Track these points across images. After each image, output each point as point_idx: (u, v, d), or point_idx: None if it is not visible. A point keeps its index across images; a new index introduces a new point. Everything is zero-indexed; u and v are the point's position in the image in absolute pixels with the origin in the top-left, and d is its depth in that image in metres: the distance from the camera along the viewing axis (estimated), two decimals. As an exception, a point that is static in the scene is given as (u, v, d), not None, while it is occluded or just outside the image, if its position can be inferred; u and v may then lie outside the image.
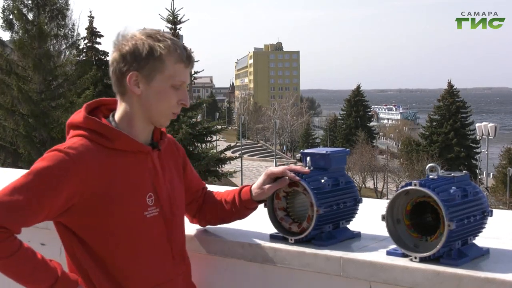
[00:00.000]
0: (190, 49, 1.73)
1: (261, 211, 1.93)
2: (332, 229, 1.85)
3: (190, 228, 2.09)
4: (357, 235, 1.91)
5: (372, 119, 72.09)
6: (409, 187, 1.64)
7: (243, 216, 1.97)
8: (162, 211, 1.74)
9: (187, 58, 1.71)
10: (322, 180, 1.82)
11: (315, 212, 1.76)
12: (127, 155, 1.69)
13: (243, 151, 44.61)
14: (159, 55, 1.67)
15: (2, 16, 22.29)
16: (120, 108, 1.74)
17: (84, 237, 1.67)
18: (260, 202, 1.90)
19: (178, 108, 1.74)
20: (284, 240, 1.86)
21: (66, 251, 1.72)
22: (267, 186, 1.85)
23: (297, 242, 1.82)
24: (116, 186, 1.65)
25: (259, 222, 2.10)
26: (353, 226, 1.94)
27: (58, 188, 1.58)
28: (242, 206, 1.91)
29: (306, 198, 1.81)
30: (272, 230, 1.91)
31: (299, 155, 1.98)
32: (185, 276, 1.85)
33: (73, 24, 24.18)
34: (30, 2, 22.07)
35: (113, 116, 1.75)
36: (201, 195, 2.00)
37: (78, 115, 1.72)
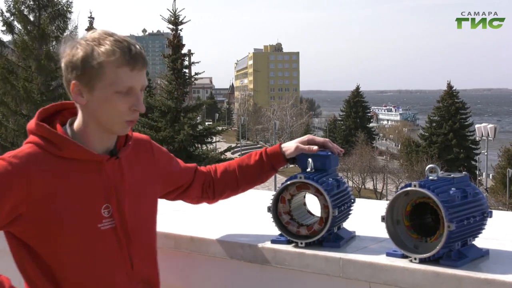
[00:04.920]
0: (139, 48, 1.61)
1: (261, 212, 1.93)
2: (336, 230, 1.85)
3: (190, 229, 2.09)
4: (353, 235, 1.92)
5: (371, 120, 72.18)
6: (408, 188, 1.64)
7: (264, 178, 1.99)
8: (119, 223, 1.65)
9: (130, 61, 1.57)
10: (329, 181, 1.81)
11: (331, 214, 1.75)
12: (79, 165, 1.61)
13: (243, 152, 44.59)
14: (96, 62, 1.56)
15: (1, 19, 22.28)
16: (78, 116, 1.67)
17: (34, 247, 1.60)
18: (287, 160, 1.95)
19: (133, 115, 1.62)
20: (288, 243, 1.84)
21: (15, 262, 1.65)
22: (297, 144, 1.91)
23: (308, 246, 1.80)
24: (65, 196, 1.58)
25: (259, 223, 2.11)
26: (352, 226, 1.95)
27: (0, 198, 1.53)
28: (269, 163, 1.95)
29: (319, 200, 1.79)
30: (271, 230, 1.91)
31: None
32: None
33: (75, 27, 24.12)
34: (32, 2, 22.07)
35: (71, 123, 1.68)
36: (199, 176, 1.96)
37: (32, 121, 1.65)
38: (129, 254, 1.68)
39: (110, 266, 1.66)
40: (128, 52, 1.58)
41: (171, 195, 1.94)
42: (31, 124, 1.64)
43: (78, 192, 1.60)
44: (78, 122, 1.66)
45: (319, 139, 1.94)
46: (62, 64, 1.63)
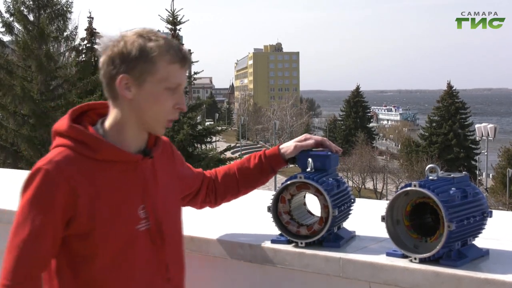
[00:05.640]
0: (187, 49, 1.65)
1: (261, 212, 1.93)
2: (336, 230, 1.86)
3: (190, 229, 2.09)
4: (353, 235, 1.92)
5: (371, 120, 72.22)
6: (408, 188, 1.64)
7: (265, 180, 1.99)
8: (155, 223, 1.64)
9: (182, 58, 1.61)
10: (329, 181, 1.80)
11: (331, 214, 1.75)
12: (114, 165, 1.59)
13: (242, 152, 44.60)
14: (150, 56, 1.56)
15: (0, 20, 22.29)
16: (112, 114, 1.64)
17: (73, 251, 1.58)
18: (286, 161, 1.95)
19: (175, 114, 1.63)
20: (288, 243, 1.84)
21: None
22: (296, 143, 1.93)
23: (308, 245, 1.80)
24: (103, 198, 1.56)
25: (259, 223, 2.11)
26: (352, 226, 1.95)
27: (51, 209, 1.52)
28: (268, 165, 1.95)
29: (319, 200, 1.79)
30: (271, 230, 1.91)
31: None
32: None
33: (75, 27, 24.13)
34: (31, 2, 22.09)
35: (102, 123, 1.65)
36: (205, 181, 1.96)
37: (62, 122, 1.62)
38: (164, 256, 1.66)
39: (147, 270, 1.63)
40: (179, 50, 1.61)
41: (183, 201, 1.90)
42: (63, 125, 1.61)
43: (115, 194, 1.59)
44: (113, 120, 1.64)
45: (316, 137, 1.96)
46: (105, 58, 1.59)
